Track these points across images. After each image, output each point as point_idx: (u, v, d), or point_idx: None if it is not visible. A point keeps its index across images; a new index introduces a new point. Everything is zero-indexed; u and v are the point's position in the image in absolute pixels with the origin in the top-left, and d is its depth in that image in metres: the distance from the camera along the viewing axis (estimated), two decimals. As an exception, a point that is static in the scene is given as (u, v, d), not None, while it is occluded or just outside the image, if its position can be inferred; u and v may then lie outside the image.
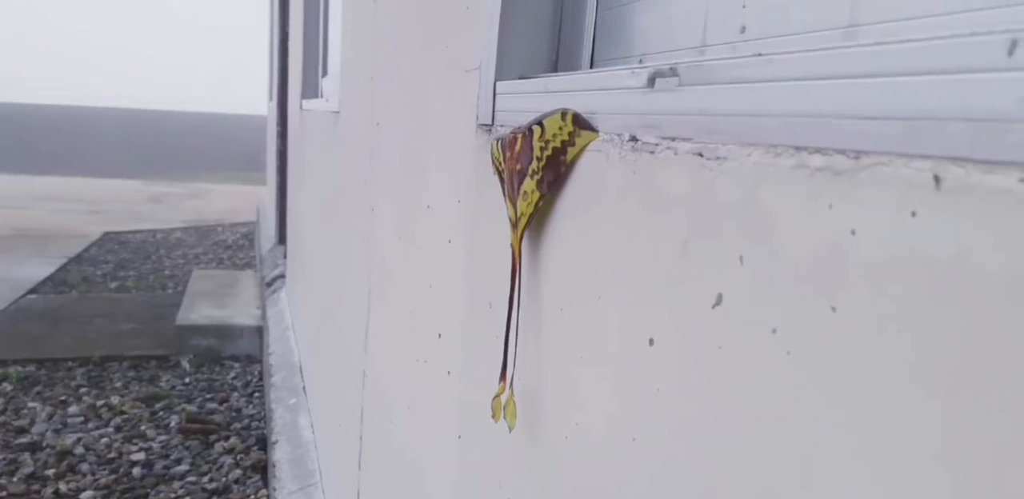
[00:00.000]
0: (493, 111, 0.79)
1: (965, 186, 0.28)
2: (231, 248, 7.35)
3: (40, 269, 5.86)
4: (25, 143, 22.52)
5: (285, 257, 4.33)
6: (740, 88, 0.42)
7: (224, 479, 2.79)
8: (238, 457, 2.95)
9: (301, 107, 3.38)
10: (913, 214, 0.30)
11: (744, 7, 0.53)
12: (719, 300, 0.43)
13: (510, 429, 0.68)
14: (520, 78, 0.77)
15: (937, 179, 0.29)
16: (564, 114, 0.59)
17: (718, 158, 0.43)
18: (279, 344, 3.48)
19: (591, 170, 0.58)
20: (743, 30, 0.54)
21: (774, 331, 0.39)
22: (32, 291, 5.21)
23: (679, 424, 0.48)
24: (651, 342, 0.51)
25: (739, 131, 0.42)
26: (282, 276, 4.32)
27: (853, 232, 0.33)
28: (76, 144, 24.12)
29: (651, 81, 0.50)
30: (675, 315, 0.48)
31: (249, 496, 2.67)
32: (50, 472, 2.76)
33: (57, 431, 3.11)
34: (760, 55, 0.41)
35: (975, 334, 0.27)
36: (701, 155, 0.44)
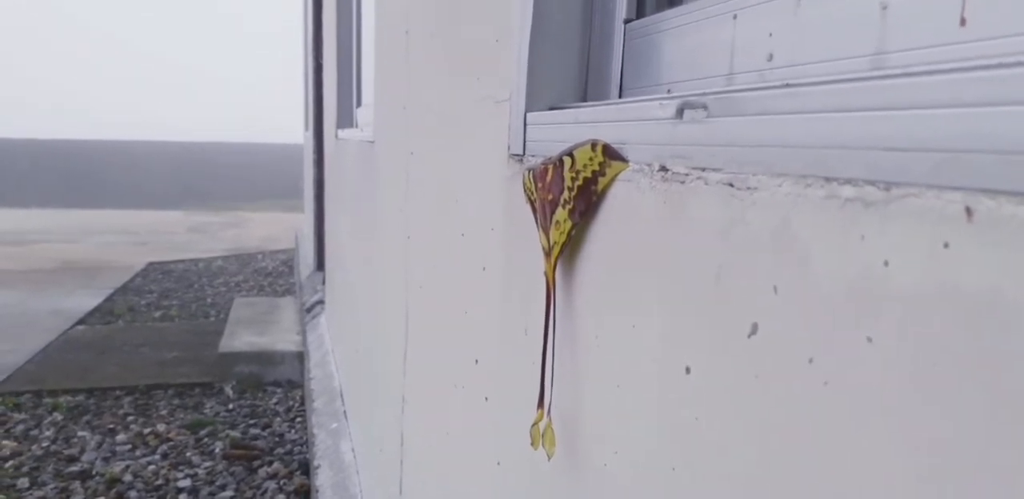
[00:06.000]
0: (524, 141, 0.80)
1: (998, 218, 0.28)
2: (271, 275, 7.46)
3: (88, 300, 6.00)
4: (70, 178, 23.18)
5: (324, 283, 4.38)
6: (768, 120, 0.42)
7: (268, 506, 2.81)
8: (282, 482, 2.97)
9: (336, 136, 3.44)
10: (946, 245, 0.30)
11: (771, 35, 0.54)
12: (755, 329, 0.43)
13: (549, 457, 0.68)
14: (550, 109, 0.78)
15: (969, 211, 0.29)
16: (594, 145, 0.60)
17: (749, 188, 0.43)
18: (319, 369, 3.51)
19: (622, 199, 0.59)
20: (770, 58, 0.54)
21: (811, 361, 0.39)
22: (80, 322, 5.34)
23: (718, 454, 0.47)
24: (688, 370, 0.51)
25: (769, 162, 0.42)
26: (321, 302, 4.36)
27: (886, 263, 0.33)
28: (120, 177, 24.78)
29: (679, 112, 0.50)
30: (711, 344, 0.48)
31: (293, 523, 2.69)
32: (99, 500, 2.81)
33: (106, 459, 3.17)
34: (788, 85, 0.41)
35: (1012, 368, 0.27)
36: (732, 185, 0.45)
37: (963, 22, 0.38)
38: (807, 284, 0.39)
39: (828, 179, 0.37)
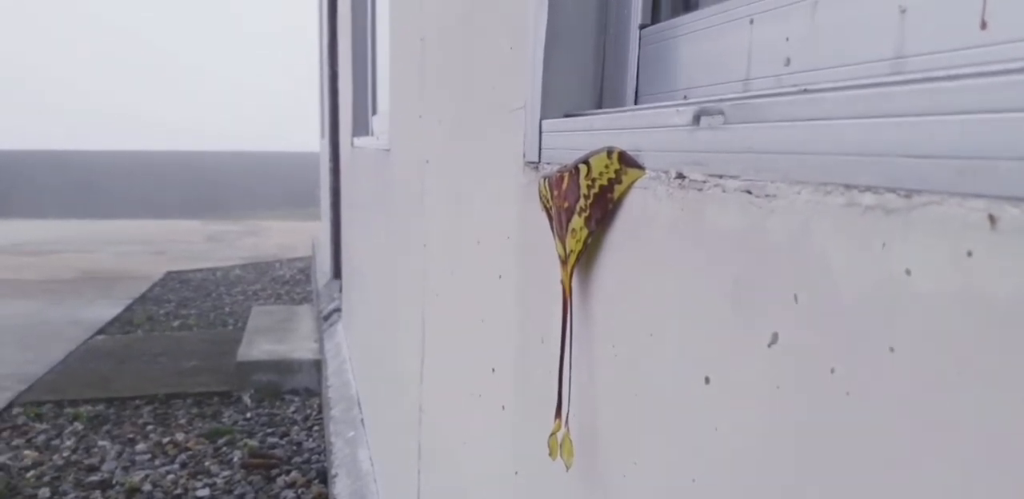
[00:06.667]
0: (539, 149, 0.79)
1: (1022, 226, 0.27)
2: (288, 283, 7.49)
3: (107, 310, 6.05)
4: (88, 188, 23.43)
5: (341, 291, 4.39)
6: (786, 126, 0.41)
7: (286, 514, 2.81)
8: (300, 491, 2.97)
9: (352, 144, 3.46)
10: (969, 254, 0.29)
11: (787, 40, 0.53)
12: (775, 339, 0.43)
13: (567, 467, 0.68)
14: (565, 116, 0.78)
15: (992, 218, 0.28)
16: (610, 152, 0.60)
17: (767, 196, 0.43)
18: (337, 377, 3.51)
19: (638, 207, 0.58)
20: (788, 62, 0.53)
21: (832, 371, 0.38)
22: (100, 332, 5.38)
23: (739, 465, 0.47)
24: (707, 380, 0.50)
25: (787, 169, 0.41)
26: (338, 310, 4.38)
27: (908, 272, 0.32)
28: (137, 187, 25.03)
29: (696, 119, 0.50)
30: (731, 353, 0.47)
31: (311, 531, 2.69)
32: (119, 509, 2.83)
33: (126, 468, 3.18)
34: (806, 91, 0.41)
35: (1043, 378, 0.27)
36: (750, 192, 0.44)
37: (984, 25, 0.38)
38: (828, 293, 0.38)
39: (848, 186, 0.36)
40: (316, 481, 3.05)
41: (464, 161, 1.18)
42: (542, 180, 0.71)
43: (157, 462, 3.26)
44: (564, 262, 0.67)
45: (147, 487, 3.01)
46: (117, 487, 3.01)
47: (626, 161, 0.59)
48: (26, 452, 3.32)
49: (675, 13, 0.72)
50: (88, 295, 6.61)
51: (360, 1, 3.46)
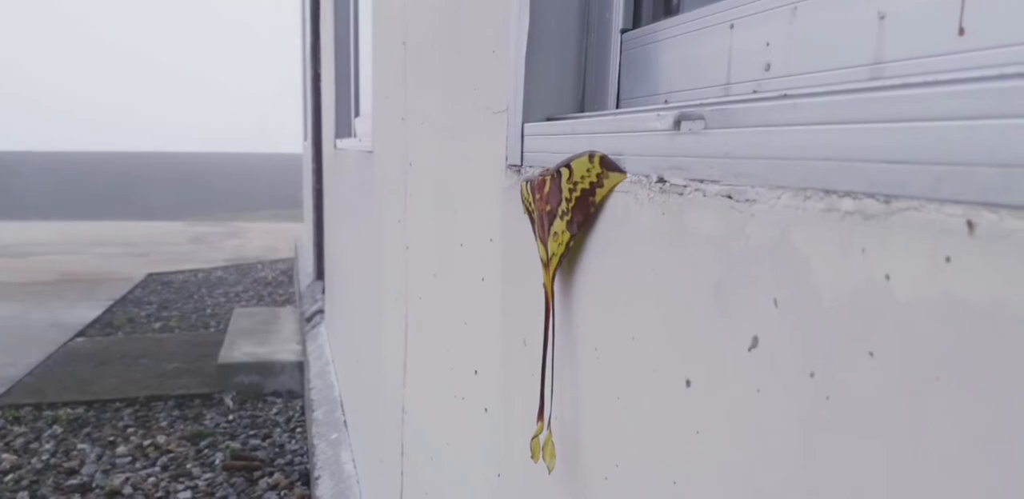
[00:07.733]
0: (522, 152, 0.79)
1: (999, 232, 0.27)
2: (271, 285, 7.44)
3: (87, 312, 5.99)
4: (70, 190, 23.21)
5: (323, 292, 4.37)
6: (766, 131, 0.42)
7: (269, 518, 2.79)
8: (282, 493, 2.95)
9: (335, 146, 3.44)
10: (947, 260, 0.30)
11: (768, 45, 0.54)
12: (755, 343, 0.43)
13: (549, 470, 0.68)
14: (547, 119, 0.78)
15: (970, 224, 0.28)
16: (592, 156, 0.60)
17: (747, 200, 0.43)
18: (319, 379, 3.50)
19: (620, 211, 0.58)
20: (768, 68, 0.54)
21: (812, 375, 0.38)
22: (80, 334, 5.33)
23: (720, 468, 0.47)
24: (688, 383, 0.50)
25: (767, 174, 0.41)
26: (321, 311, 4.36)
27: (887, 277, 0.33)
28: (120, 189, 24.82)
29: (677, 124, 0.50)
30: (711, 357, 0.48)
31: (294, 535, 2.67)
32: (99, 513, 2.79)
33: (106, 472, 3.15)
34: (785, 97, 0.41)
35: (1015, 381, 0.27)
36: (730, 197, 0.44)
37: (962, 31, 0.38)
38: (808, 297, 0.38)
39: (827, 191, 0.37)
40: (299, 483, 3.03)
41: (447, 164, 1.18)
42: (524, 183, 0.71)
43: (138, 465, 3.22)
44: (546, 265, 0.67)
45: (128, 490, 2.98)
46: (97, 490, 2.98)
47: (607, 165, 0.59)
48: (4, 455, 3.28)
49: (656, 18, 0.72)
50: (68, 297, 6.55)
51: (343, 4, 3.45)
